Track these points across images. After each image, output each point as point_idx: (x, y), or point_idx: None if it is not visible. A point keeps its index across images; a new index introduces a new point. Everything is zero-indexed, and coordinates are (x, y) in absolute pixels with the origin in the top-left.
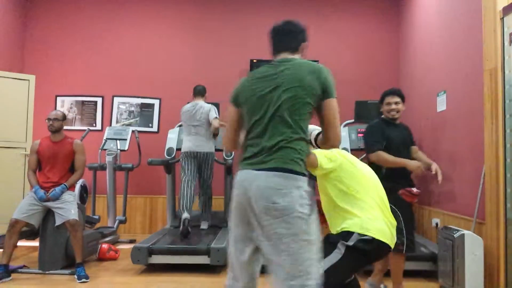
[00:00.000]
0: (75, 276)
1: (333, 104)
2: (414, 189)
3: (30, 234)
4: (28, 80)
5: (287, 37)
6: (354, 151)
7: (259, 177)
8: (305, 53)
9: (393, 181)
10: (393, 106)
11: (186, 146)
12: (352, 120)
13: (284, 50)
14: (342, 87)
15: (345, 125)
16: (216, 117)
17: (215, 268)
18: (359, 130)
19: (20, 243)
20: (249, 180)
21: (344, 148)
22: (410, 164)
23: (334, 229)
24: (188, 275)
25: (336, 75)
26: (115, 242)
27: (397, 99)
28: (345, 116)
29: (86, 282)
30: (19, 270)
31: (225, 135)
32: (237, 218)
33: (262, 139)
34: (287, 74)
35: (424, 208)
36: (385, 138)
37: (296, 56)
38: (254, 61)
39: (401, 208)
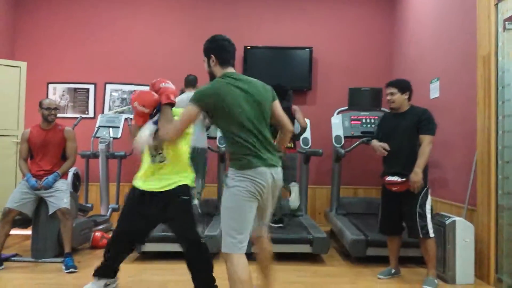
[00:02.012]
0: (63, 266)
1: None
2: (394, 178)
3: (23, 222)
4: (20, 67)
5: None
6: (347, 138)
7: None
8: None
9: (385, 166)
10: (388, 97)
11: None
12: (346, 107)
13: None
14: (336, 74)
15: (338, 112)
16: None
17: None
18: (352, 117)
19: (13, 231)
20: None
21: (337, 136)
22: (373, 144)
23: None
24: (181, 263)
25: (329, 62)
26: (108, 230)
27: (392, 90)
28: (338, 103)
29: (74, 272)
30: (12, 258)
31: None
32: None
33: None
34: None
35: None
36: (380, 128)
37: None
38: (248, 47)
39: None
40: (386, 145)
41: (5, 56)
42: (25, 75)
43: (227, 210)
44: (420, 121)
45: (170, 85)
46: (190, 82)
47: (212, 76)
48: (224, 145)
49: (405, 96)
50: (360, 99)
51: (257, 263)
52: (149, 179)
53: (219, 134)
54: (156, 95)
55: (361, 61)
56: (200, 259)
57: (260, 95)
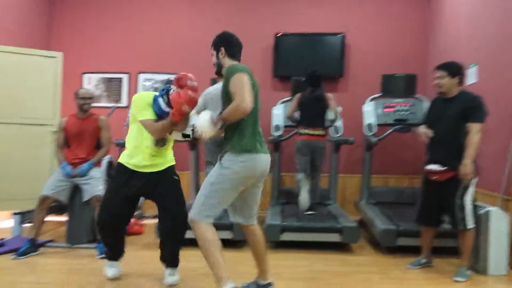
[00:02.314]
0: (96, 252)
1: None
2: (433, 167)
3: (58, 209)
4: (56, 57)
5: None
6: (379, 126)
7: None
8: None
9: (428, 154)
10: (436, 81)
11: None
12: (379, 95)
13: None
14: (368, 60)
15: (371, 100)
16: None
17: (236, 244)
18: (385, 104)
19: (49, 218)
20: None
21: (369, 123)
22: (419, 129)
23: None
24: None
25: (362, 48)
26: (140, 217)
27: (440, 73)
28: (371, 90)
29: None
30: (47, 244)
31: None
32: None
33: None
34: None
35: None
36: (428, 112)
37: None
38: (279, 35)
39: (423, 186)
40: (429, 132)
41: (42, 46)
42: (61, 65)
43: (212, 186)
44: (468, 108)
45: (195, 84)
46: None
47: (219, 67)
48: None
49: (455, 81)
50: (393, 86)
51: (252, 250)
52: (145, 160)
53: None
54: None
55: (395, 46)
56: (181, 234)
57: (258, 90)
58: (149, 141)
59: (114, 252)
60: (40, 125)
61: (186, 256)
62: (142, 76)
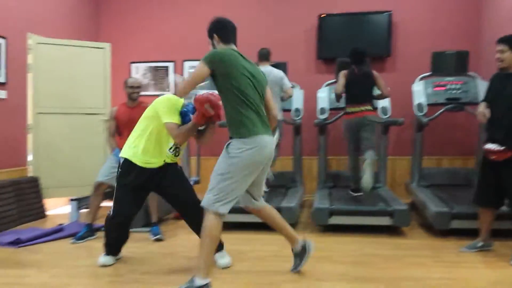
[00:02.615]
0: (150, 234)
1: None
2: (492, 146)
3: (113, 195)
4: (104, 48)
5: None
6: (430, 106)
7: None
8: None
9: (487, 132)
10: (497, 55)
11: None
12: (429, 73)
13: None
14: (417, 38)
15: (421, 79)
16: (291, 87)
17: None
18: (435, 83)
19: (104, 203)
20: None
21: (419, 103)
22: (478, 108)
23: None
24: (254, 233)
25: (410, 25)
26: None
27: (501, 47)
28: (420, 69)
29: (161, 240)
30: (103, 228)
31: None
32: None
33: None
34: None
35: None
36: (489, 89)
37: None
38: (323, 16)
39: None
40: (487, 112)
41: (91, 38)
42: (110, 56)
43: (222, 176)
44: None
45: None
46: (264, 55)
47: None
48: (298, 117)
49: None
50: (444, 63)
51: (271, 225)
52: (160, 162)
53: (294, 106)
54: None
55: (445, 22)
56: (200, 218)
57: (259, 75)
58: (168, 147)
59: (116, 248)
60: (93, 114)
61: (239, 239)
62: (187, 64)
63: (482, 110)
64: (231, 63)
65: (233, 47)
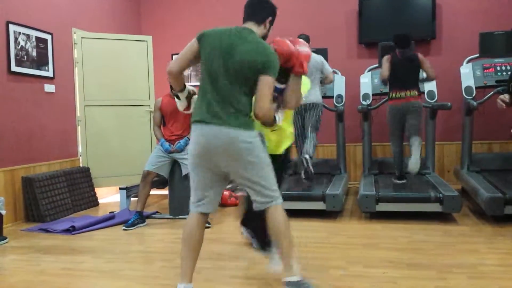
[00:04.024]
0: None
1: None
2: None
3: (160, 183)
4: (146, 41)
5: (255, 9)
6: (479, 89)
7: None
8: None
9: None
10: None
11: None
12: (477, 55)
13: (250, 20)
14: (463, 19)
15: (468, 61)
16: (333, 71)
17: (331, 214)
18: (484, 65)
19: (152, 192)
20: None
21: (468, 86)
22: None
23: None
24: (304, 220)
25: (455, 6)
26: (234, 189)
27: None
28: (467, 51)
29: (208, 227)
30: (153, 216)
31: None
32: None
33: None
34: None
35: None
36: None
37: (260, 29)
38: None
39: None
40: (505, 97)
41: (133, 31)
42: (151, 48)
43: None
44: None
45: (305, 50)
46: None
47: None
48: (340, 104)
49: None
50: (493, 44)
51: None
52: None
53: (335, 92)
54: (292, 46)
55: (492, 1)
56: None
57: (242, 54)
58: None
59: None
60: (138, 105)
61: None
62: None
63: (502, 96)
64: (204, 41)
65: (246, 25)
